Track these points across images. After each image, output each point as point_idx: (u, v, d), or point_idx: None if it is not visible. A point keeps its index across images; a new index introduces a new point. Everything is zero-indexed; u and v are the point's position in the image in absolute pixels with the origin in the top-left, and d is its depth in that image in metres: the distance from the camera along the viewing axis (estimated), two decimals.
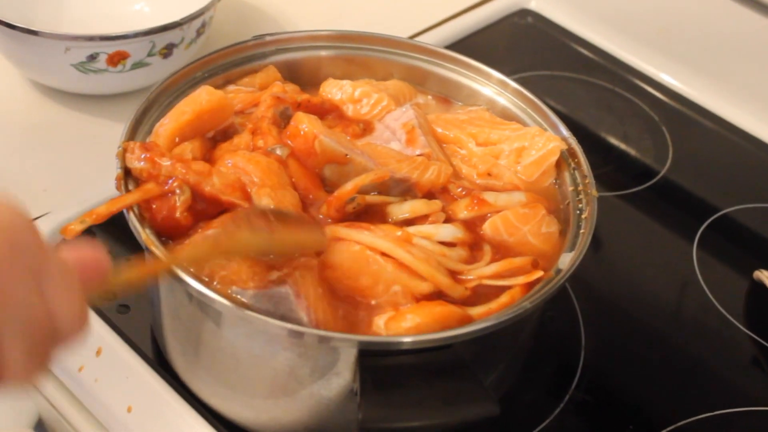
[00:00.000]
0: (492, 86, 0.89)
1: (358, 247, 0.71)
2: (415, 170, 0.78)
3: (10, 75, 1.07)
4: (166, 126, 0.77)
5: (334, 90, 0.87)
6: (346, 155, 0.78)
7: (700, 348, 0.90)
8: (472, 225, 0.78)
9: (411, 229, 0.74)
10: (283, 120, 0.81)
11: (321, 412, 0.72)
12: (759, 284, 0.95)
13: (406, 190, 0.78)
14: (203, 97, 0.79)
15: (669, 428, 0.81)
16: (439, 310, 0.69)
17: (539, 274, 0.73)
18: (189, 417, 0.77)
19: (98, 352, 0.81)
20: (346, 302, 0.71)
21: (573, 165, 0.81)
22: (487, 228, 0.77)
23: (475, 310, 0.70)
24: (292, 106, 0.82)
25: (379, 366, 0.65)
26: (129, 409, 0.78)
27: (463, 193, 0.79)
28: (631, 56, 1.26)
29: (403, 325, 0.68)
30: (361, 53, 0.91)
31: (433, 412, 0.64)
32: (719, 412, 0.83)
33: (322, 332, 0.65)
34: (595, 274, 0.96)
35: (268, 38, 0.88)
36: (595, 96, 1.21)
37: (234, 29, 1.16)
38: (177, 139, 0.78)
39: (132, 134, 0.76)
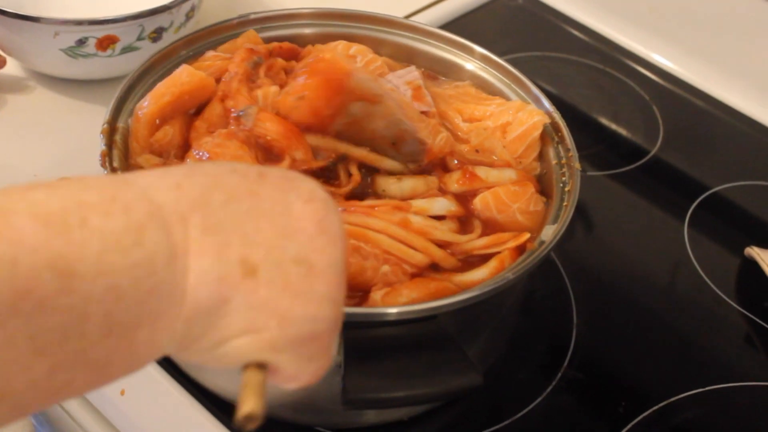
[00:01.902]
0: (475, 61, 0.90)
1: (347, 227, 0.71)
2: (429, 135, 0.79)
3: None
4: (146, 110, 0.77)
5: (332, 45, 0.87)
6: (381, 95, 0.77)
7: (692, 325, 0.91)
8: (462, 199, 0.78)
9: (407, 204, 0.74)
10: (254, 72, 0.80)
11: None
12: (750, 261, 0.95)
13: (416, 152, 0.78)
14: (183, 78, 0.79)
15: (661, 404, 0.82)
16: (434, 285, 0.70)
17: (527, 236, 0.73)
18: (182, 398, 0.77)
19: None
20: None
21: (557, 139, 0.82)
22: (477, 203, 0.78)
23: (468, 276, 0.71)
24: (264, 55, 0.81)
25: (364, 338, 0.65)
26: (122, 393, 0.78)
27: (457, 164, 0.80)
28: (621, 36, 1.26)
29: (400, 300, 0.69)
30: (346, 30, 0.91)
31: (416, 382, 0.64)
32: (711, 387, 0.84)
33: None
34: (585, 252, 0.97)
35: (252, 16, 0.89)
36: (585, 76, 1.21)
37: (223, 13, 1.16)
38: (158, 121, 0.77)
39: (116, 114, 0.77)
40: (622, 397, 0.83)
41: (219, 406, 0.77)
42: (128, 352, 0.44)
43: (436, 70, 0.91)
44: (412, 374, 0.64)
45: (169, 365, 0.79)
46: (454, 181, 0.79)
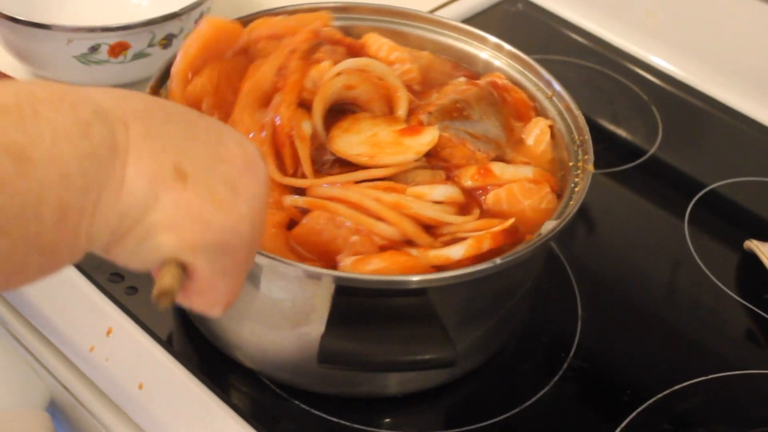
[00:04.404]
0: (488, 50, 0.92)
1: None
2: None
3: (12, 69, 1.09)
4: (177, 66, 0.80)
5: (375, 44, 0.89)
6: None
7: (695, 316, 0.93)
8: (473, 195, 0.79)
9: (408, 190, 0.76)
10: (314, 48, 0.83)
11: (298, 344, 0.75)
12: (750, 254, 0.98)
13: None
14: (205, 27, 0.81)
15: (665, 392, 0.84)
16: (403, 258, 0.71)
17: (511, 221, 0.74)
18: (199, 390, 0.79)
19: (108, 332, 0.83)
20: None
21: (578, 142, 0.83)
22: (489, 199, 0.78)
23: (444, 251, 0.72)
24: (329, 42, 0.84)
25: (351, 303, 0.68)
26: (140, 386, 0.80)
27: (481, 153, 0.81)
28: (619, 39, 1.28)
29: (368, 267, 0.70)
30: (365, 23, 0.93)
31: (390, 349, 0.67)
32: (714, 375, 0.86)
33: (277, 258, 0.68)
34: (589, 248, 0.99)
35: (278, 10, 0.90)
36: (585, 78, 1.23)
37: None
38: (190, 75, 0.80)
39: (161, 80, 0.81)
40: (627, 386, 0.84)
41: (236, 398, 0.79)
42: (73, 238, 0.47)
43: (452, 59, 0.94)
44: (388, 342, 0.67)
45: (187, 360, 0.81)
46: (469, 177, 0.79)
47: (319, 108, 0.80)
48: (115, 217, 0.49)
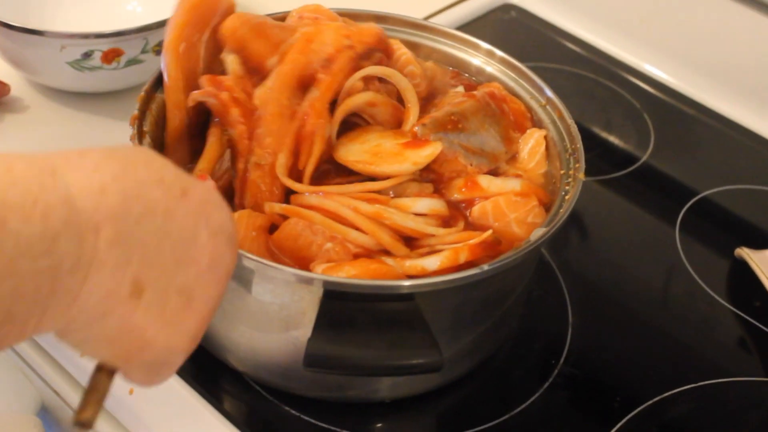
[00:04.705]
0: (480, 56, 0.93)
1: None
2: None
3: (6, 75, 1.09)
4: (167, 39, 0.80)
5: (397, 52, 0.89)
6: None
7: (685, 323, 0.93)
8: (456, 204, 0.79)
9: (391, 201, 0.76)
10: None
11: (288, 348, 0.76)
12: (740, 261, 0.98)
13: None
14: None
15: (655, 399, 0.84)
16: (375, 267, 0.71)
17: (489, 233, 0.74)
18: (189, 396, 0.79)
19: None
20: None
21: (570, 150, 0.83)
22: (475, 211, 0.79)
23: (419, 262, 0.72)
24: (385, 53, 0.85)
25: (338, 308, 0.69)
26: (131, 392, 0.79)
27: (473, 168, 0.81)
28: (612, 47, 1.29)
29: (340, 274, 0.70)
30: None
31: (375, 354, 0.67)
32: (704, 382, 0.86)
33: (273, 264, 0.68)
34: (580, 255, 0.99)
35: (278, 15, 0.89)
36: (577, 86, 1.24)
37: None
38: (182, 48, 0.80)
39: (156, 84, 0.82)
40: (617, 392, 0.85)
41: (227, 404, 0.80)
42: (18, 335, 0.47)
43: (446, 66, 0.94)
44: (374, 347, 0.67)
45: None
46: (455, 191, 0.80)
47: (339, 117, 0.80)
48: (61, 323, 0.49)
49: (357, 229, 0.73)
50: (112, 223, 0.48)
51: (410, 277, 0.72)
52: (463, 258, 0.72)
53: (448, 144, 0.80)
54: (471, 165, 0.81)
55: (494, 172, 0.83)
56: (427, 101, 0.88)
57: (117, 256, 0.49)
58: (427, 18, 1.27)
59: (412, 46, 0.92)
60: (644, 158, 1.13)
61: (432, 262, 0.72)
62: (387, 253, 0.74)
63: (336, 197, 0.75)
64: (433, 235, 0.75)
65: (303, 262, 0.73)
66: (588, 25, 1.32)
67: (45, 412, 0.89)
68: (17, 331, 0.47)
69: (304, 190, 0.76)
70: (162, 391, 0.79)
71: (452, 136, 0.81)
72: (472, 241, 0.74)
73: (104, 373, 0.54)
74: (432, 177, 0.80)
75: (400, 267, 0.72)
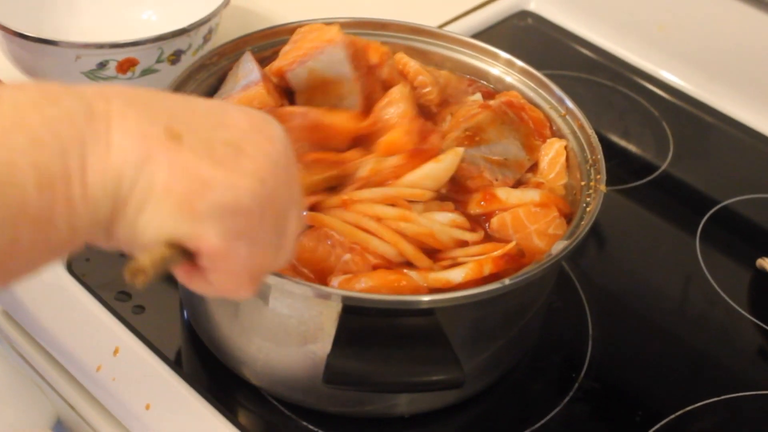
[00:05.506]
0: (500, 66, 0.92)
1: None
2: None
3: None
4: None
5: (409, 64, 0.89)
6: None
7: (707, 335, 0.92)
8: (476, 218, 0.79)
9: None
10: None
11: (306, 362, 0.75)
12: (762, 272, 0.97)
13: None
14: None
15: (677, 413, 0.83)
16: (393, 278, 0.70)
17: (512, 244, 0.74)
18: (206, 411, 0.78)
19: (115, 352, 0.82)
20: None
21: (591, 162, 0.82)
22: (494, 223, 0.78)
23: (443, 274, 0.72)
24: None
25: (358, 323, 0.67)
26: (147, 407, 0.79)
27: (499, 182, 0.80)
28: (630, 54, 1.28)
29: (357, 286, 0.70)
30: (375, 39, 0.91)
31: (396, 370, 0.66)
32: (726, 396, 0.85)
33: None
34: (600, 267, 0.98)
35: (290, 25, 0.90)
36: (595, 94, 1.23)
37: (239, 35, 1.17)
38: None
39: None
40: (639, 406, 0.84)
41: (243, 418, 0.79)
42: (66, 206, 0.45)
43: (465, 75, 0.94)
44: (394, 363, 0.66)
45: (194, 380, 0.80)
46: (475, 205, 0.79)
47: None
48: (110, 179, 0.46)
49: (377, 237, 0.73)
50: (123, 95, 0.48)
51: (434, 290, 0.71)
52: (487, 270, 0.72)
53: (471, 159, 0.79)
54: (497, 180, 0.80)
55: (516, 183, 0.82)
56: (441, 107, 0.88)
57: (138, 111, 0.48)
58: (442, 25, 1.27)
59: (427, 54, 0.92)
60: (663, 167, 1.12)
61: (457, 275, 0.71)
62: (408, 265, 0.73)
63: (358, 206, 0.74)
64: (460, 243, 0.75)
65: (322, 273, 0.73)
66: (605, 32, 1.31)
67: (60, 428, 0.89)
68: (63, 203, 0.45)
69: (324, 199, 0.75)
70: (178, 406, 0.79)
71: (473, 151, 0.80)
72: (495, 253, 0.73)
73: (165, 245, 0.48)
74: (453, 195, 0.79)
75: (424, 279, 0.71)
